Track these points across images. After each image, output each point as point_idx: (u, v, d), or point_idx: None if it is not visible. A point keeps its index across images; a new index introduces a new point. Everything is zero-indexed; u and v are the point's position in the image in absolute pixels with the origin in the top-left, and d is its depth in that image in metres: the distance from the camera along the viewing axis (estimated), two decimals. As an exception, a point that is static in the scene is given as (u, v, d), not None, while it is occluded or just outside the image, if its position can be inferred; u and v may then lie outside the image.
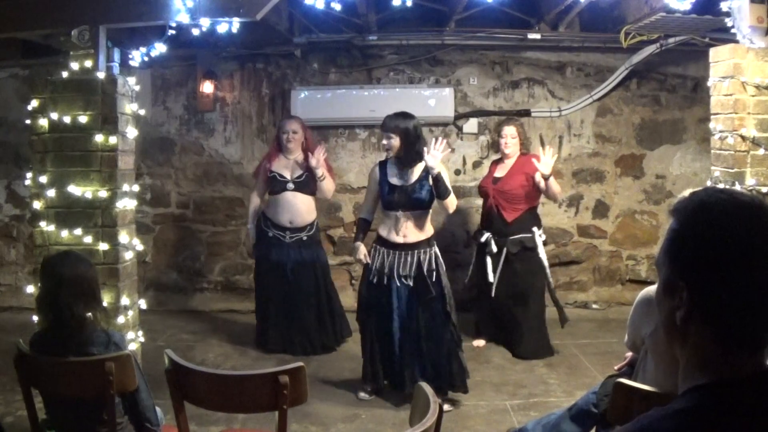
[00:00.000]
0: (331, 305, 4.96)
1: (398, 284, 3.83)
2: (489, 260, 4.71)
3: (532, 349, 4.68)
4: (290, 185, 4.75)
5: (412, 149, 3.84)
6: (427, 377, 3.68)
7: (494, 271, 4.68)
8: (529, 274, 4.70)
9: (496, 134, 4.92)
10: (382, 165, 3.99)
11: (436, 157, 3.72)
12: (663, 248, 0.99)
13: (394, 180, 3.89)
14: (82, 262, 2.51)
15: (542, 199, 5.16)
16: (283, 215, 4.77)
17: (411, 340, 3.86)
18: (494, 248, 4.69)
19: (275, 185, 4.78)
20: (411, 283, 3.82)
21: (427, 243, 3.88)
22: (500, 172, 4.85)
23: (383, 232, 3.91)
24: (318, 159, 4.65)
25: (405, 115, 3.88)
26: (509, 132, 4.79)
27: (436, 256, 3.88)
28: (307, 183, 4.76)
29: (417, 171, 3.88)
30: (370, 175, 4.06)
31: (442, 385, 3.80)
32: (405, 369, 3.88)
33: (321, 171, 4.69)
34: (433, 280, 3.82)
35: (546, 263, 4.72)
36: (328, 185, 4.80)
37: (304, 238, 4.81)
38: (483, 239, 4.77)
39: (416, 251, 3.84)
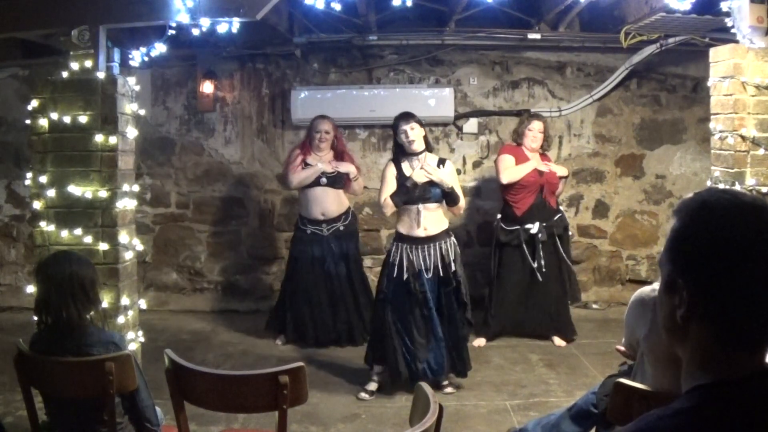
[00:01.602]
0: (368, 295, 5.05)
1: (426, 276, 3.93)
2: (541, 249, 4.85)
3: (569, 328, 5.01)
4: (323, 180, 4.84)
5: (427, 140, 4.07)
6: (445, 363, 3.98)
7: (538, 258, 4.87)
8: (566, 253, 5.00)
9: (523, 126, 4.95)
10: (396, 162, 4.05)
11: (436, 171, 3.90)
12: (665, 248, 0.99)
13: (414, 176, 3.94)
14: (76, 262, 2.48)
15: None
16: (314, 208, 4.88)
17: (436, 329, 3.97)
18: (545, 236, 4.85)
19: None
20: (439, 274, 3.94)
21: (446, 233, 4.03)
22: (539, 165, 4.89)
23: (403, 229, 4.00)
24: (349, 169, 4.90)
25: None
26: (537, 126, 4.90)
27: (455, 246, 4.03)
28: (339, 179, 4.89)
29: (435, 160, 4.01)
30: (387, 170, 4.05)
31: (456, 368, 4.05)
32: (428, 357, 3.98)
33: (353, 173, 4.90)
34: (453, 269, 3.96)
35: (569, 228, 5.11)
36: (360, 183, 5.04)
37: (341, 228, 4.94)
38: (535, 230, 4.83)
39: (438, 242, 3.97)
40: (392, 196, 3.94)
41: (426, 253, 3.95)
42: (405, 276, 3.94)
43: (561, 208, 5.13)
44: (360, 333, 4.90)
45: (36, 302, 2.48)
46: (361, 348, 4.58)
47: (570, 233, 5.14)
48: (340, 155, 4.97)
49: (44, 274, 2.45)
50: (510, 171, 4.83)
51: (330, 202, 4.88)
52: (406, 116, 4.00)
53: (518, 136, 4.99)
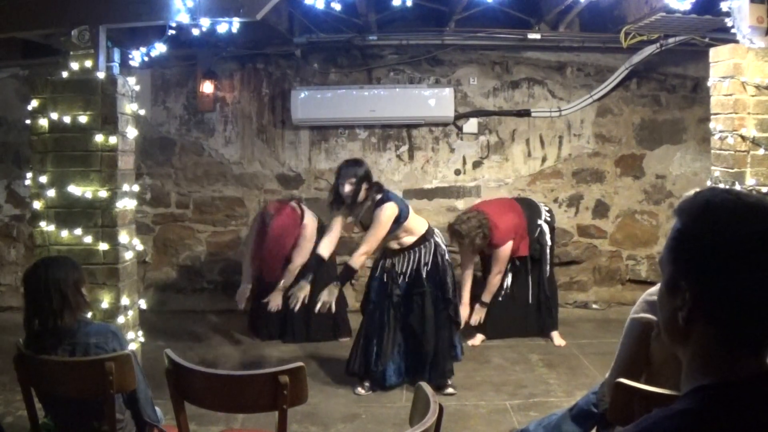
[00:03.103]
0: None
1: (400, 281, 4.02)
2: (509, 279, 4.94)
3: (554, 321, 5.07)
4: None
5: (369, 191, 3.95)
6: (422, 369, 4.02)
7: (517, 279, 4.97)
8: (544, 263, 5.02)
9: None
10: (338, 210, 4.06)
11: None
12: (666, 248, 0.97)
13: (356, 225, 4.15)
14: (53, 268, 2.44)
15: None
16: None
17: (407, 334, 4.06)
18: (517, 262, 4.94)
19: None
20: (408, 280, 4.02)
21: (423, 240, 4.04)
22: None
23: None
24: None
25: (358, 162, 4.02)
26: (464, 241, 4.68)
27: (436, 247, 4.04)
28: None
29: (364, 207, 3.98)
30: (334, 222, 4.10)
31: (444, 374, 4.06)
32: (393, 362, 4.06)
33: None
34: (429, 269, 4.00)
35: (549, 241, 5.01)
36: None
37: None
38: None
39: (415, 249, 4.03)
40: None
41: (404, 260, 4.02)
42: (385, 278, 4.05)
43: (541, 222, 4.95)
44: (318, 331, 5.03)
45: (24, 311, 2.48)
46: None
47: (549, 246, 4.98)
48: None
49: (27, 285, 2.45)
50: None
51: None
52: (346, 171, 3.92)
53: (475, 244, 4.72)
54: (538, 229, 4.94)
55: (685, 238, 0.94)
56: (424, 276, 3.99)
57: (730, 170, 3.23)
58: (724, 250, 0.90)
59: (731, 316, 0.90)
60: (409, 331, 4.07)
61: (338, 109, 5.75)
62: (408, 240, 4.02)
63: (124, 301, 3.43)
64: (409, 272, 4.01)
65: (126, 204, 3.50)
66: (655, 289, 2.29)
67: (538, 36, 5.57)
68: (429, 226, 4.14)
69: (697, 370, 0.94)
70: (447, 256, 4.08)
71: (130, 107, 3.56)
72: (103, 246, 3.38)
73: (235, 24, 3.59)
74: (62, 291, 2.39)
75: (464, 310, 4.68)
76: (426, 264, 3.99)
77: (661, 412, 0.90)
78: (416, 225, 4.05)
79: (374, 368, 4.03)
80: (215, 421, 3.42)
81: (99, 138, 3.37)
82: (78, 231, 3.38)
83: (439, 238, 4.11)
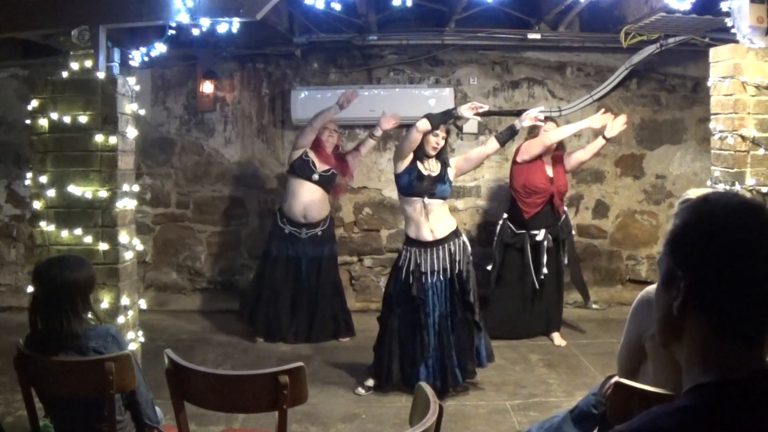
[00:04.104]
0: (340, 297, 5.20)
1: (433, 280, 3.94)
2: (545, 257, 4.88)
3: (558, 322, 5.09)
4: (315, 176, 4.91)
5: (446, 145, 4.09)
6: (454, 367, 3.95)
7: (541, 266, 4.91)
8: (570, 255, 5.06)
9: (537, 128, 4.80)
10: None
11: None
12: (665, 243, 1.01)
13: (423, 170, 3.98)
14: (68, 269, 2.43)
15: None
16: (297, 207, 4.93)
17: (446, 334, 3.96)
18: (551, 242, 4.90)
19: (304, 169, 4.92)
20: (448, 276, 3.94)
21: (454, 234, 4.02)
22: (549, 171, 4.92)
23: (412, 233, 4.00)
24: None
25: None
26: (552, 127, 4.86)
27: (464, 246, 4.02)
28: (331, 180, 4.98)
29: (439, 164, 4.02)
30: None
31: (467, 371, 4.03)
32: (438, 363, 3.97)
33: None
34: (457, 268, 3.96)
35: (572, 230, 5.14)
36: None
37: (319, 233, 5.01)
38: (540, 237, 4.88)
39: (447, 244, 3.96)
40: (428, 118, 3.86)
41: (435, 256, 3.94)
42: (410, 280, 3.94)
43: (566, 209, 5.15)
44: (320, 332, 5.02)
45: (30, 305, 2.48)
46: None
47: (573, 232, 5.17)
48: (341, 156, 5.08)
49: (38, 282, 2.44)
50: (544, 137, 4.78)
51: (314, 205, 4.93)
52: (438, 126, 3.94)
53: (533, 137, 4.95)
54: (565, 216, 5.06)
55: (683, 230, 0.98)
56: (449, 276, 3.93)
57: (730, 170, 3.23)
58: (719, 239, 0.93)
59: (724, 304, 0.92)
60: (448, 331, 3.97)
61: (338, 109, 5.75)
62: (440, 229, 3.94)
63: (124, 301, 3.43)
64: (437, 270, 3.92)
65: (126, 204, 3.50)
66: (653, 288, 2.30)
67: (538, 36, 5.57)
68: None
69: (695, 367, 0.95)
70: (471, 258, 4.06)
71: (130, 107, 3.56)
72: (103, 246, 3.39)
73: (235, 24, 3.59)
74: (73, 295, 2.39)
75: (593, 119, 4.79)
76: (456, 261, 3.93)
77: (661, 409, 0.92)
78: (449, 214, 4.09)
79: (408, 371, 3.99)
80: (215, 421, 3.42)
81: (99, 138, 3.37)
82: (78, 231, 3.38)
83: (465, 238, 4.11)
